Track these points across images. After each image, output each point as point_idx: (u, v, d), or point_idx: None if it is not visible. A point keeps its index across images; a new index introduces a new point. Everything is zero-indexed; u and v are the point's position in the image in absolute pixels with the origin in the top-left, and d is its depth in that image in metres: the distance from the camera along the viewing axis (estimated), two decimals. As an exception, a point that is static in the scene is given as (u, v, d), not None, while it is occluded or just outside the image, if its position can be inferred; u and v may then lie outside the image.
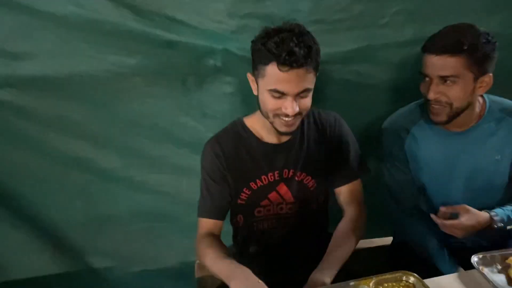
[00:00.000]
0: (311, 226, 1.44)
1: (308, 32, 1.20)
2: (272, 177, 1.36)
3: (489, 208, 1.34)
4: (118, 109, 1.54)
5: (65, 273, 1.72)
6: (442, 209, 1.31)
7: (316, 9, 1.49)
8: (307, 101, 1.24)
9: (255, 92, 1.28)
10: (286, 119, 1.22)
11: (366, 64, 1.61)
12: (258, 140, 1.36)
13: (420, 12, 1.56)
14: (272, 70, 1.17)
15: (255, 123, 1.37)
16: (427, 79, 1.33)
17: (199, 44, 1.46)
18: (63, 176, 1.59)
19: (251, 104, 1.50)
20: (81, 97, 1.50)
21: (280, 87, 1.18)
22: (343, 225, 1.35)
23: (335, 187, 1.43)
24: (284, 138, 1.36)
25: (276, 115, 1.23)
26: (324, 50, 1.25)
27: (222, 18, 1.45)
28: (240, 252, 1.46)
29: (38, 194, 1.60)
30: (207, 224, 1.37)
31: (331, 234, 1.42)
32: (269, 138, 1.36)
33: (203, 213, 1.37)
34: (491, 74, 1.31)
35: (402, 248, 1.54)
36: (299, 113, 1.22)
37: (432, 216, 1.30)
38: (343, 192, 1.41)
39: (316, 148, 1.39)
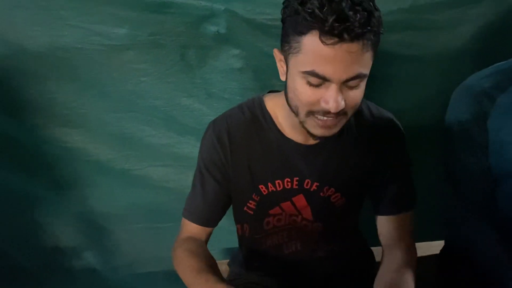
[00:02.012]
0: (333, 242, 1.14)
1: None
2: (289, 183, 1.04)
3: None
4: (110, 89, 1.30)
5: (65, 271, 1.54)
6: None
7: None
8: (358, 94, 0.87)
9: (282, 77, 0.94)
10: (325, 118, 0.87)
11: (409, 31, 1.28)
12: (279, 133, 1.02)
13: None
14: (311, 43, 0.80)
15: (278, 109, 1.02)
16: None
17: (197, 5, 1.19)
18: (52, 167, 1.39)
19: (264, 81, 1.26)
20: (66, 74, 1.28)
21: (322, 70, 0.81)
22: (390, 276, 0.99)
23: (377, 214, 1.10)
24: (313, 139, 1.01)
25: (311, 113, 0.88)
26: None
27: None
28: (245, 263, 1.18)
29: (25, 187, 1.40)
30: (192, 228, 1.08)
31: (361, 235, 1.18)
32: (293, 134, 1.01)
33: (190, 215, 1.08)
34: None
35: (458, 257, 1.18)
36: (344, 112, 0.87)
37: None
38: (389, 225, 1.08)
39: (357, 158, 1.04)
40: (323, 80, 0.83)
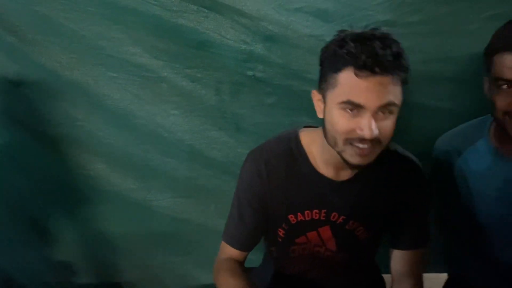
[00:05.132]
0: (352, 271, 1.19)
1: (395, 39, 0.92)
2: (317, 214, 1.09)
3: None
4: (139, 121, 1.32)
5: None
6: None
7: (387, 7, 1.21)
8: (390, 125, 0.93)
9: (320, 115, 1.00)
10: (361, 145, 0.92)
11: (447, 82, 1.29)
12: (312, 168, 1.07)
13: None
14: (346, 77, 0.90)
15: (313, 145, 1.07)
16: (504, 87, 1.02)
17: (236, 48, 1.23)
18: (72, 193, 1.38)
19: (295, 118, 1.30)
20: (96, 103, 1.30)
21: (356, 98, 0.89)
22: None
23: (393, 247, 1.15)
24: (344, 175, 1.06)
25: (348, 142, 0.93)
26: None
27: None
28: (269, 285, 1.22)
29: (43, 211, 1.41)
30: (230, 251, 1.14)
31: (376, 265, 1.25)
32: (325, 169, 1.06)
33: (229, 239, 1.14)
34: None
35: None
36: (378, 141, 0.92)
37: None
38: (402, 259, 1.13)
39: (382, 196, 1.10)
40: (358, 107, 0.90)
